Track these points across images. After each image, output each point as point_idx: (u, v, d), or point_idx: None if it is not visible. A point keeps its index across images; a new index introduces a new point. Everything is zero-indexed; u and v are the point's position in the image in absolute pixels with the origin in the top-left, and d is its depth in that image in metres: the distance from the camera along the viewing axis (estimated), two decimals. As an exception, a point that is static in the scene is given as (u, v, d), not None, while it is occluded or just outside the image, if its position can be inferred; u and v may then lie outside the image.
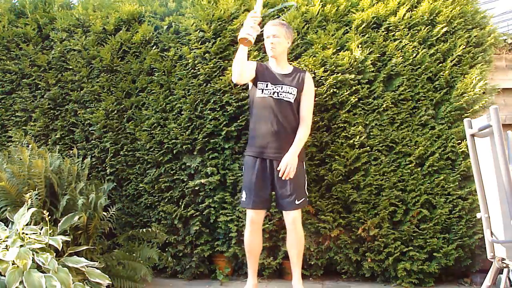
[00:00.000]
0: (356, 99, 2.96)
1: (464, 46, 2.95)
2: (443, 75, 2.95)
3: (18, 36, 3.48)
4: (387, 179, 2.94)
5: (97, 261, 2.54)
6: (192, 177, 3.12)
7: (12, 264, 2.11)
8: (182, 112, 3.13)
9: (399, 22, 2.98)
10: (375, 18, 3.02)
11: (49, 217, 2.34)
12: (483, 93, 2.96)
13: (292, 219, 2.62)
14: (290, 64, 2.87)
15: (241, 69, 2.58)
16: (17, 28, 3.48)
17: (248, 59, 2.73)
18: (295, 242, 2.66)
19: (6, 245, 2.23)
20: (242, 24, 3.03)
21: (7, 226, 2.47)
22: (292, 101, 2.67)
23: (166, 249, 3.16)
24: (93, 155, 3.27)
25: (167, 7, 3.25)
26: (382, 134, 2.96)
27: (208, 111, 3.07)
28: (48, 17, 3.45)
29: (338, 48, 3.01)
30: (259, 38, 2.78)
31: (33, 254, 2.18)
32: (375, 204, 2.96)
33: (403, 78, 2.95)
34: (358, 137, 2.94)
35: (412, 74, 2.96)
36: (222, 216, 3.05)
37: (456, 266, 2.95)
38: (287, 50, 2.77)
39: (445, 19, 2.97)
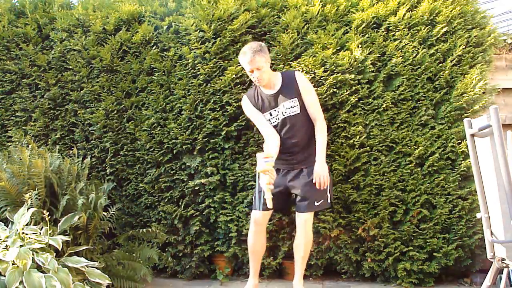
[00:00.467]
0: (356, 99, 2.96)
1: (464, 46, 2.95)
2: (443, 75, 2.95)
3: (18, 36, 3.48)
4: (387, 179, 2.94)
5: (97, 261, 2.54)
6: (192, 177, 3.12)
7: (12, 264, 2.11)
8: (182, 112, 3.13)
9: (399, 22, 2.98)
10: (375, 18, 3.02)
11: (49, 217, 2.35)
12: (483, 93, 2.96)
13: (304, 220, 2.61)
14: (276, 70, 2.84)
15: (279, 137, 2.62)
16: (17, 28, 3.48)
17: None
18: (303, 244, 2.64)
19: (6, 245, 2.23)
20: (242, 24, 3.04)
21: (7, 226, 2.47)
22: (299, 110, 2.66)
23: (166, 249, 3.16)
24: (93, 155, 3.27)
25: (167, 7, 3.25)
26: (382, 134, 2.96)
27: (208, 111, 3.07)
28: (48, 17, 3.45)
29: (338, 48, 3.01)
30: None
31: (33, 254, 2.18)
32: (375, 204, 2.96)
33: (403, 78, 2.95)
34: (358, 137, 2.94)
35: (412, 74, 2.96)
36: (222, 216, 3.05)
37: (456, 266, 2.95)
38: (269, 67, 2.70)
39: (445, 19, 2.97)
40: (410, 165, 2.92)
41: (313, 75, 2.97)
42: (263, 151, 2.74)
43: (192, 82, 3.11)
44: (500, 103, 3.29)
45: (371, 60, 2.95)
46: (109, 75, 3.28)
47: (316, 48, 3.00)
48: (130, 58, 3.25)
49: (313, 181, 2.60)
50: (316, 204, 2.62)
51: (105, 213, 2.83)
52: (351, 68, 2.96)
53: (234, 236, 3.04)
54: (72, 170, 2.79)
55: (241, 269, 3.18)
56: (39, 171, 2.60)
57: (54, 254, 2.28)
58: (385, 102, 2.94)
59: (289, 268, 3.04)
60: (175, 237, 3.14)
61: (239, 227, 3.02)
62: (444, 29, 2.95)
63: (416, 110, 2.97)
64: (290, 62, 3.03)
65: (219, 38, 3.06)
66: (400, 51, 2.97)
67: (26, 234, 2.31)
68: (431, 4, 2.98)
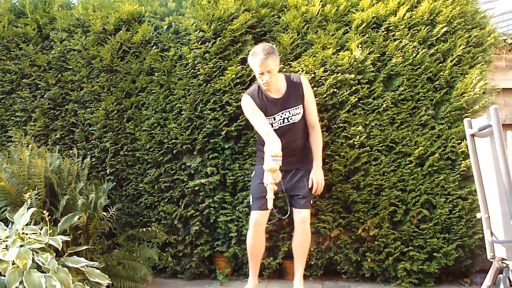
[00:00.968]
0: (356, 99, 2.96)
1: (464, 46, 2.95)
2: (443, 75, 2.95)
3: (18, 36, 3.48)
4: (387, 179, 2.94)
5: (97, 261, 2.54)
6: (192, 177, 3.12)
7: (12, 264, 2.11)
8: (182, 112, 3.13)
9: (399, 22, 2.98)
10: (375, 18, 3.02)
11: (49, 217, 2.34)
12: (483, 93, 2.96)
13: (303, 217, 2.63)
14: (280, 71, 2.81)
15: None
16: (17, 28, 3.48)
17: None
18: (303, 242, 2.66)
19: (6, 245, 2.23)
20: (242, 24, 3.04)
21: (7, 226, 2.47)
22: (301, 117, 2.67)
23: (166, 249, 3.16)
24: (93, 155, 3.27)
25: (167, 7, 3.25)
26: (382, 134, 2.96)
27: (208, 111, 3.07)
28: (48, 17, 3.45)
29: (338, 48, 3.01)
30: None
31: (33, 254, 2.18)
32: (375, 204, 2.96)
33: (403, 78, 2.95)
34: (358, 137, 2.94)
35: (412, 74, 2.96)
36: (222, 216, 3.05)
37: (456, 266, 2.95)
38: None
39: (445, 19, 2.96)
40: (410, 165, 2.92)
41: (313, 75, 2.97)
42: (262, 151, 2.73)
43: (192, 82, 3.11)
44: (500, 103, 3.29)
45: (371, 60, 2.95)
46: (109, 75, 3.28)
47: (316, 48, 3.00)
48: (130, 58, 3.25)
49: (309, 186, 2.64)
50: (311, 202, 2.69)
51: (105, 213, 2.83)
52: (351, 68, 2.96)
53: (234, 236, 3.04)
54: (72, 170, 2.79)
55: (241, 269, 3.18)
56: (39, 171, 2.60)
57: (54, 254, 2.28)
58: (385, 102, 2.94)
59: (289, 268, 3.04)
60: (175, 237, 3.14)
61: (239, 227, 3.02)
62: (444, 29, 2.95)
63: (416, 110, 2.97)
64: (290, 62, 3.03)
65: (219, 38, 3.06)
66: (400, 51, 2.97)
67: (26, 234, 2.31)
68: (431, 4, 2.98)
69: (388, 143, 2.96)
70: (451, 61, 2.94)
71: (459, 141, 2.92)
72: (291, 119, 2.65)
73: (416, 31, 2.98)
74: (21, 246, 2.21)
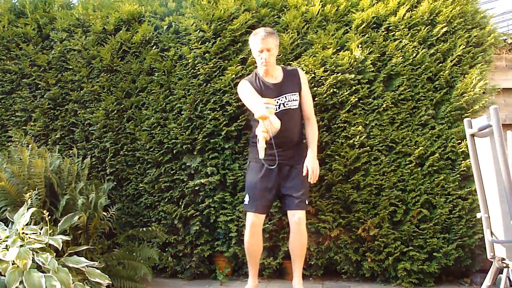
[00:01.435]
0: (356, 99, 2.96)
1: (464, 46, 2.95)
2: (443, 75, 2.95)
3: (18, 36, 3.48)
4: (387, 179, 2.94)
5: (97, 261, 2.54)
6: (192, 177, 3.12)
7: (12, 264, 2.11)
8: (182, 112, 3.13)
9: (399, 22, 2.98)
10: (375, 18, 3.02)
11: (49, 217, 2.34)
12: (483, 93, 2.96)
13: (299, 219, 2.59)
14: (278, 64, 2.83)
15: None
16: (17, 28, 3.48)
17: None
18: (299, 244, 2.63)
19: (6, 245, 2.23)
20: (242, 24, 3.04)
21: (7, 226, 2.47)
22: (297, 106, 2.67)
23: (166, 249, 3.16)
24: (93, 155, 3.27)
25: (167, 7, 3.25)
26: (382, 134, 2.96)
27: (208, 111, 3.07)
28: (48, 17, 3.46)
29: (338, 48, 3.01)
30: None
31: (33, 254, 2.18)
32: (375, 204, 2.96)
33: (403, 78, 2.95)
34: (358, 137, 2.94)
35: (412, 74, 2.96)
36: (222, 216, 3.05)
37: (456, 266, 2.95)
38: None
39: (445, 19, 2.97)
40: (410, 165, 2.92)
41: (313, 75, 2.97)
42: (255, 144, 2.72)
43: (192, 82, 3.11)
44: (500, 103, 3.29)
45: (371, 60, 2.95)
46: (109, 75, 3.28)
47: (316, 48, 3.00)
48: (130, 58, 3.25)
49: (303, 174, 2.60)
50: (306, 203, 2.64)
51: (105, 213, 2.83)
52: (351, 68, 2.96)
53: (234, 236, 3.04)
54: (72, 170, 2.79)
55: (241, 269, 3.18)
56: (39, 171, 2.60)
57: (54, 254, 2.28)
58: (385, 102, 2.94)
59: (289, 268, 3.04)
60: (175, 237, 3.14)
61: (239, 227, 3.02)
62: (444, 29, 2.95)
63: (416, 110, 2.97)
64: (290, 62, 3.03)
65: (219, 38, 3.07)
66: (400, 51, 2.97)
67: (26, 234, 2.31)
68: (431, 4, 2.98)
69: (388, 143, 2.96)
70: (451, 61, 2.95)
71: (459, 141, 2.92)
72: (287, 104, 2.63)
73: (416, 31, 2.98)
74: (21, 246, 2.21)
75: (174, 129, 3.11)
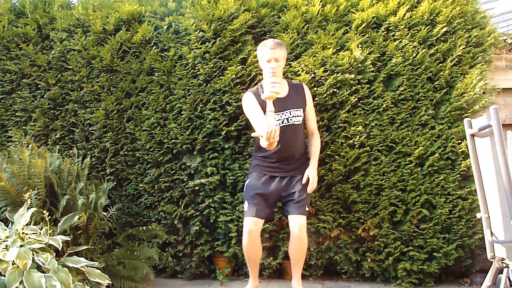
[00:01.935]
0: (356, 99, 2.96)
1: (464, 46, 2.95)
2: (443, 75, 2.95)
3: (18, 36, 3.48)
4: (387, 179, 2.94)
5: (97, 261, 2.54)
6: (192, 177, 3.12)
7: (12, 264, 2.11)
8: (182, 112, 3.13)
9: (399, 22, 2.98)
10: (375, 18, 3.02)
11: (49, 217, 2.34)
12: (483, 93, 2.96)
13: (299, 226, 2.55)
14: (284, 78, 2.82)
15: None
16: (17, 28, 3.48)
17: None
18: (299, 250, 2.59)
19: (6, 245, 2.23)
20: (242, 24, 3.05)
21: (7, 226, 2.47)
22: (301, 121, 2.67)
23: (166, 249, 3.16)
24: (93, 155, 3.27)
25: (167, 7, 3.25)
26: (382, 134, 2.96)
27: (208, 111, 3.07)
28: (48, 17, 3.45)
29: (338, 48, 3.01)
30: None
31: (33, 254, 2.18)
32: (375, 204, 2.96)
33: (403, 78, 2.95)
34: (358, 137, 2.94)
35: (412, 74, 2.96)
36: (222, 216, 3.05)
37: (456, 266, 2.95)
38: None
39: (445, 19, 2.97)
40: (410, 165, 2.92)
41: (313, 75, 2.97)
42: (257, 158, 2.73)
43: (192, 82, 3.11)
44: (500, 103, 3.29)
45: (371, 60, 2.95)
46: (109, 75, 3.28)
47: (316, 48, 3.00)
48: (130, 58, 3.25)
49: (303, 182, 2.60)
50: (306, 209, 2.61)
51: (105, 213, 2.83)
52: (351, 68, 2.96)
53: (234, 236, 3.04)
54: (72, 170, 2.79)
55: (241, 269, 3.18)
56: (39, 171, 2.60)
57: (54, 254, 2.28)
58: (385, 102, 2.94)
59: (289, 268, 3.02)
60: (175, 237, 3.14)
61: (239, 227, 3.02)
62: (444, 29, 2.95)
63: (416, 110, 2.97)
64: (290, 62, 3.03)
65: (219, 38, 3.06)
66: (400, 51, 2.97)
67: (26, 234, 2.30)
68: (431, 4, 2.98)
69: (388, 143, 2.96)
70: (451, 61, 2.95)
71: (459, 141, 2.92)
72: (291, 120, 2.63)
73: (416, 31, 2.98)
74: (21, 246, 2.21)
75: (174, 129, 3.11)
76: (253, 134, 2.51)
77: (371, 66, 2.95)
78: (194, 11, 3.13)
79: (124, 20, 3.29)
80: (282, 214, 2.86)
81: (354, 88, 2.96)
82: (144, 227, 2.99)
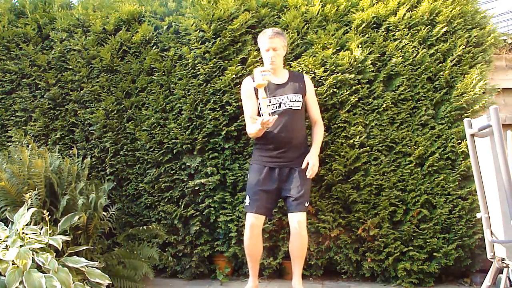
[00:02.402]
0: (356, 99, 2.96)
1: (464, 46, 2.95)
2: (443, 75, 2.95)
3: (18, 36, 3.48)
4: (387, 179, 2.94)
5: (97, 261, 2.54)
6: (192, 177, 3.12)
7: (12, 264, 2.11)
8: (182, 112, 3.13)
9: (399, 22, 2.98)
10: (375, 18, 3.02)
11: (49, 217, 2.35)
12: (483, 93, 2.96)
13: (298, 222, 2.57)
14: (284, 67, 2.86)
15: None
16: (17, 28, 3.48)
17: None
18: (299, 246, 2.61)
19: (6, 245, 2.23)
20: (242, 24, 3.05)
21: (7, 226, 2.47)
22: (300, 108, 2.68)
23: (166, 249, 3.16)
24: (93, 155, 3.27)
25: (167, 7, 3.25)
26: (382, 134, 2.96)
27: (208, 111, 3.07)
28: (48, 17, 3.45)
29: (338, 48, 3.01)
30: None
31: (33, 254, 2.18)
32: (375, 204, 2.96)
33: (403, 78, 2.95)
34: (358, 137, 2.94)
35: (412, 74, 2.96)
36: (222, 216, 3.05)
37: (456, 266, 2.95)
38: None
39: (445, 19, 2.97)
40: (410, 165, 2.92)
41: (313, 75, 2.97)
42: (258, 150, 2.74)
43: (192, 82, 3.11)
44: (500, 103, 3.28)
45: (371, 60, 2.95)
46: (109, 75, 3.28)
47: (316, 48, 3.00)
48: (130, 58, 3.25)
49: (303, 167, 2.60)
50: (306, 205, 2.62)
51: (105, 213, 2.83)
52: (351, 68, 2.96)
53: (234, 236, 3.04)
54: (72, 170, 2.79)
55: (241, 269, 3.18)
56: (39, 171, 2.60)
57: (54, 254, 2.28)
58: (385, 102, 2.94)
59: (289, 268, 3.03)
60: (175, 237, 3.14)
61: (239, 227, 3.02)
62: (444, 29, 2.95)
63: (416, 110, 2.97)
64: (290, 62, 3.03)
65: (219, 38, 3.07)
66: (400, 51, 2.97)
67: (26, 234, 2.31)
68: (431, 4, 2.98)
69: (388, 143, 2.96)
70: (451, 61, 2.94)
71: (459, 141, 2.92)
72: (288, 104, 2.64)
73: (416, 31, 2.98)
74: (21, 246, 2.21)
75: (174, 129, 3.11)
76: (248, 118, 2.62)
77: (371, 66, 2.95)
78: (194, 11, 3.13)
79: (124, 20, 3.29)
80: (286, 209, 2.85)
81: (354, 88, 2.96)
82: (144, 227, 2.99)
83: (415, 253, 2.91)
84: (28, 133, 3.37)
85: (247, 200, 2.66)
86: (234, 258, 3.11)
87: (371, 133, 2.96)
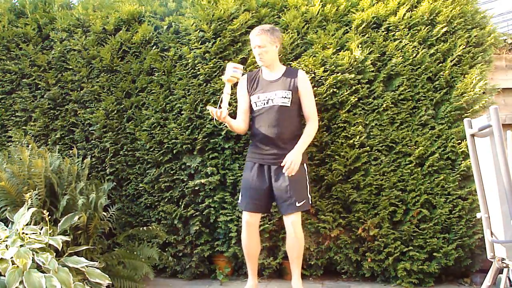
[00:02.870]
0: (356, 99, 2.96)
1: (464, 46, 2.95)
2: (443, 75, 2.95)
3: (18, 36, 3.48)
4: (387, 179, 2.94)
5: (97, 261, 2.54)
6: (192, 177, 3.12)
7: (12, 264, 2.11)
8: (182, 112, 3.13)
9: (399, 22, 2.98)
10: (375, 18, 3.02)
11: (49, 217, 2.35)
12: (483, 93, 2.95)
13: (291, 222, 2.58)
14: (284, 64, 2.87)
15: (244, 127, 2.76)
16: (17, 28, 3.48)
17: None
18: (295, 245, 2.63)
19: (6, 245, 2.23)
20: (242, 24, 3.05)
21: (7, 226, 2.47)
22: (289, 104, 2.66)
23: (166, 249, 3.16)
24: (93, 155, 3.27)
25: (167, 7, 3.25)
26: (382, 134, 2.96)
27: (208, 111, 3.07)
28: (48, 17, 3.45)
29: (338, 48, 3.01)
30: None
31: (33, 254, 2.18)
32: (375, 204, 2.96)
33: (403, 78, 2.95)
34: (358, 137, 2.94)
35: (412, 74, 2.96)
36: (222, 216, 3.05)
37: (456, 266, 2.95)
38: (277, 53, 2.75)
39: (445, 19, 2.96)
40: (410, 165, 2.92)
41: (313, 75, 2.97)
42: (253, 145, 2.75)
43: (192, 82, 3.11)
44: (500, 103, 3.29)
45: (371, 60, 2.95)
46: (109, 75, 3.28)
47: (316, 48, 3.00)
48: (130, 58, 3.25)
49: (282, 164, 2.57)
50: (298, 204, 2.58)
51: (105, 213, 2.83)
52: (351, 68, 2.96)
53: (234, 236, 3.03)
54: (72, 170, 2.79)
55: (241, 269, 3.18)
56: (39, 171, 2.60)
57: (54, 254, 2.28)
58: (385, 102, 2.94)
59: (288, 268, 3.02)
60: (175, 237, 3.14)
61: (239, 227, 3.02)
62: (444, 29, 2.95)
63: (416, 110, 2.97)
64: (290, 62, 3.03)
65: (219, 38, 3.07)
66: (400, 51, 2.97)
67: (26, 234, 2.31)
68: (431, 4, 2.98)
69: (388, 143, 2.96)
70: (451, 61, 2.94)
71: (459, 141, 2.92)
72: (275, 101, 2.65)
73: (416, 31, 2.97)
74: (21, 246, 2.21)
75: (174, 129, 3.11)
76: (207, 107, 2.71)
77: (371, 66, 2.95)
78: (194, 11, 3.13)
79: (124, 20, 3.29)
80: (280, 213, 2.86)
81: (354, 88, 2.96)
82: (144, 227, 2.99)
83: (415, 253, 2.91)
84: (28, 133, 3.37)
85: (240, 197, 2.69)
86: (234, 258, 3.11)
87: (371, 133, 2.96)
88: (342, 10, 3.05)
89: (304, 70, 2.96)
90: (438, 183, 2.91)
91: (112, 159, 3.25)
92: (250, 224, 2.64)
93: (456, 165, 2.92)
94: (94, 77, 3.31)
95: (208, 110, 2.70)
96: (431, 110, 2.96)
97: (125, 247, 2.90)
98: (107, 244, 2.89)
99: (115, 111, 3.24)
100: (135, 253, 2.84)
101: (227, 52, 3.09)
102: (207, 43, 3.09)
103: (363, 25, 3.00)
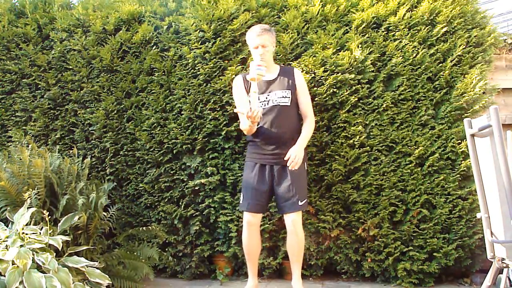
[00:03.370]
0: (356, 99, 2.96)
1: (464, 46, 2.95)
2: (443, 75, 2.95)
3: (18, 36, 3.48)
4: (387, 179, 2.94)
5: (97, 261, 2.54)
6: (192, 177, 3.12)
7: (12, 264, 2.11)
8: (182, 112, 3.13)
9: (399, 22, 2.98)
10: (375, 18, 3.02)
11: (49, 217, 2.35)
12: (483, 93, 2.95)
13: (292, 221, 2.59)
14: (277, 63, 2.86)
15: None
16: (17, 28, 3.48)
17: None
18: (295, 244, 2.63)
19: (6, 245, 2.23)
20: (242, 24, 3.05)
21: (7, 226, 2.47)
22: (289, 104, 2.66)
23: (166, 249, 3.16)
24: (93, 155, 3.27)
25: (167, 7, 3.26)
26: (382, 134, 2.96)
27: (208, 111, 3.07)
28: (48, 17, 3.45)
29: (338, 48, 3.01)
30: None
31: (33, 254, 2.18)
32: (375, 204, 2.96)
33: (403, 78, 2.95)
34: (358, 137, 2.94)
35: (412, 74, 2.96)
36: (222, 216, 3.05)
37: (456, 266, 2.95)
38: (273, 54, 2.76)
39: (445, 19, 2.97)
40: (410, 165, 2.92)
41: (313, 75, 2.97)
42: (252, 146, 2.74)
43: (192, 82, 3.11)
44: (500, 103, 3.29)
45: (371, 60, 2.95)
46: (109, 75, 3.28)
47: (316, 48, 3.00)
48: (130, 58, 3.25)
49: (285, 158, 2.56)
50: (300, 203, 2.59)
51: (105, 213, 2.83)
52: (351, 68, 2.96)
53: (234, 236, 3.04)
54: (72, 170, 2.79)
55: (241, 269, 3.18)
56: (39, 171, 2.60)
57: (54, 254, 2.28)
58: (385, 102, 2.94)
59: (289, 268, 3.02)
60: (175, 237, 3.14)
61: (239, 227, 3.02)
62: (444, 29, 2.95)
63: (416, 110, 2.97)
64: (290, 62, 3.03)
65: (219, 38, 3.07)
66: (400, 51, 2.97)
67: (26, 234, 2.31)
68: (431, 4, 2.98)
69: (388, 143, 2.96)
70: (451, 61, 2.94)
71: (459, 141, 2.92)
72: (275, 101, 2.64)
73: (416, 31, 2.98)
74: (21, 246, 2.21)
75: (174, 129, 3.11)
76: (235, 110, 2.63)
77: (371, 66, 2.95)
78: (194, 11, 3.13)
79: (124, 20, 3.29)
80: (278, 213, 2.86)
81: (354, 88, 2.96)
82: (144, 227, 2.99)
83: (415, 253, 2.91)
84: (28, 133, 3.37)
85: (241, 197, 2.68)
86: (234, 258, 3.11)
87: (371, 133, 2.96)
88: (342, 10, 3.06)
89: (304, 70, 2.97)
90: (438, 183, 2.91)
91: (112, 159, 3.25)
92: (252, 224, 2.64)
93: (456, 165, 2.92)
94: (94, 77, 3.31)
95: (234, 110, 2.64)
96: (431, 110, 2.96)
97: (125, 247, 2.90)
98: (107, 244, 2.89)
99: (115, 111, 3.24)
100: (135, 253, 2.84)
101: (227, 52, 3.09)
102: (207, 43, 3.09)
103: (363, 25, 3.00)
